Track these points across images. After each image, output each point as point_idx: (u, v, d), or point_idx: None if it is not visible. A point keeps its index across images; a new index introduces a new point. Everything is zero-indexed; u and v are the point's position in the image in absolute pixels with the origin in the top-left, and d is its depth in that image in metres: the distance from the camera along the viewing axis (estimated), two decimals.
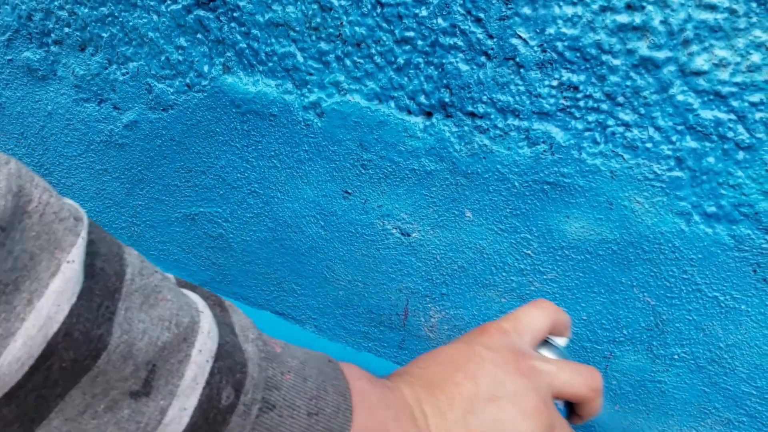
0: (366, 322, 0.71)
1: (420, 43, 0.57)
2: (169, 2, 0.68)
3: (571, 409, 0.45)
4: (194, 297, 0.33)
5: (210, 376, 0.29)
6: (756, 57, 0.46)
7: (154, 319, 0.28)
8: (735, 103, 0.48)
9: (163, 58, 0.72)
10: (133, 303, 0.28)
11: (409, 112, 0.61)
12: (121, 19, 0.72)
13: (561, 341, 0.47)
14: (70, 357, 0.25)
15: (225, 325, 0.33)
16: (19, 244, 0.24)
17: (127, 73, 0.75)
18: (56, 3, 0.75)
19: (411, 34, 0.57)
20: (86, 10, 0.73)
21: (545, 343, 0.46)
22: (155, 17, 0.70)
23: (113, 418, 0.27)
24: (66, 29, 0.76)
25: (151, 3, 0.69)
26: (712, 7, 0.46)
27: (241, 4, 0.64)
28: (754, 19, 0.45)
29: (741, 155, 0.49)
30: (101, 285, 0.27)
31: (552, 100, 0.54)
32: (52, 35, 0.78)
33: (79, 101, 0.80)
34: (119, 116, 0.78)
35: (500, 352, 0.41)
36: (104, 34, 0.74)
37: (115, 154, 0.81)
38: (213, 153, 0.73)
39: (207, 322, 0.31)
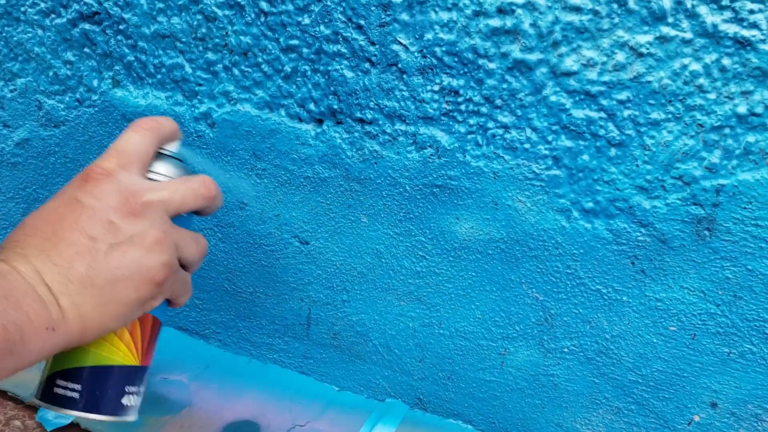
0: (270, 334, 0.70)
1: (305, 50, 0.57)
2: (53, 16, 0.67)
3: (196, 213, 0.47)
4: None
5: None
6: (621, 56, 0.48)
7: None
8: (604, 102, 0.49)
9: (51, 73, 0.70)
10: None
11: (300, 120, 0.60)
12: (4, 34, 0.70)
13: (173, 146, 0.47)
14: None
15: None
16: None
17: (15, 90, 0.73)
18: None
19: (296, 42, 0.57)
20: None
21: (159, 155, 0.46)
22: (40, 32, 0.68)
23: None
24: None
25: (35, 17, 0.67)
26: (577, 9, 0.48)
27: (126, 16, 0.63)
28: (617, 20, 0.47)
29: (613, 152, 0.50)
30: None
31: (435, 105, 0.55)
32: None
33: None
34: (10, 134, 0.75)
35: (108, 198, 0.40)
36: None
37: (7, 174, 0.78)
38: None
39: None
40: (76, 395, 0.42)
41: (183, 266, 0.45)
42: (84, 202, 0.40)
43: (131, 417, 0.45)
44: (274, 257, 0.67)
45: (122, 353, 0.43)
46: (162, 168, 0.46)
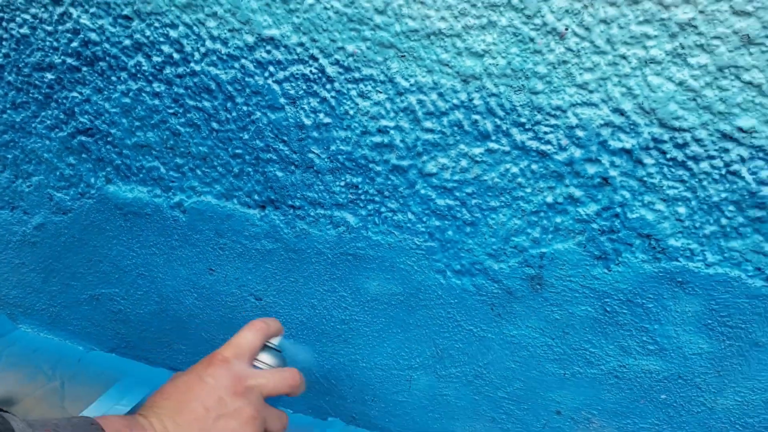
0: None
1: (247, 157, 0.76)
2: (57, 130, 0.86)
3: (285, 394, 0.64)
4: None
5: None
6: (464, 162, 0.66)
7: None
8: (458, 194, 0.67)
9: (58, 173, 0.89)
10: None
11: (249, 206, 0.79)
12: (20, 144, 0.89)
13: (276, 340, 0.66)
14: None
15: None
16: None
17: (31, 186, 0.92)
18: None
19: (240, 151, 0.76)
20: None
21: (265, 347, 0.64)
22: (47, 142, 0.87)
23: None
24: None
25: (43, 131, 0.87)
26: (431, 130, 0.66)
27: (112, 131, 0.82)
28: (458, 137, 0.65)
29: (468, 229, 0.68)
30: None
31: (343, 195, 0.73)
32: None
33: None
34: (29, 220, 0.94)
35: (222, 379, 0.57)
36: (9, 156, 0.91)
37: (29, 251, 0.97)
38: (106, 245, 0.90)
39: None
40: None
41: None
42: (206, 381, 0.56)
43: None
44: (237, 311, 0.85)
45: None
46: (265, 357, 0.64)
